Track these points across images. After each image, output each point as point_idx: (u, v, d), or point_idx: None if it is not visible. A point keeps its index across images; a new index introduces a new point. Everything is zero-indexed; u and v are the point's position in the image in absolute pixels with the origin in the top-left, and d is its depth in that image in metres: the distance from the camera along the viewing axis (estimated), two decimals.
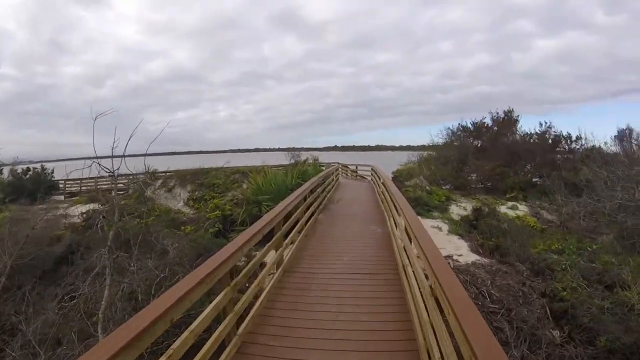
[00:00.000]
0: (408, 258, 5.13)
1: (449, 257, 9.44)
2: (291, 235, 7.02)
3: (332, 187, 15.53)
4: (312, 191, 9.75)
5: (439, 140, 25.98)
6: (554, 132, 22.77)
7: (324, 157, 28.93)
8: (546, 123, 22.94)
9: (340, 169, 23.75)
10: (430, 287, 3.38)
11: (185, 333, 2.85)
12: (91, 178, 22.54)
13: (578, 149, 21.93)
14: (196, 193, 17.40)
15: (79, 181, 25.66)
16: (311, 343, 4.01)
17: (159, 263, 7.35)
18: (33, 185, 23.32)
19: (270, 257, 5.97)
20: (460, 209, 15.78)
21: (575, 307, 7.47)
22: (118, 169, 5.97)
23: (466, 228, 12.89)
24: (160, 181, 19.68)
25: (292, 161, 22.71)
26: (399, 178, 18.74)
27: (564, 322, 7.40)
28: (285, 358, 3.77)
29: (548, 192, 17.89)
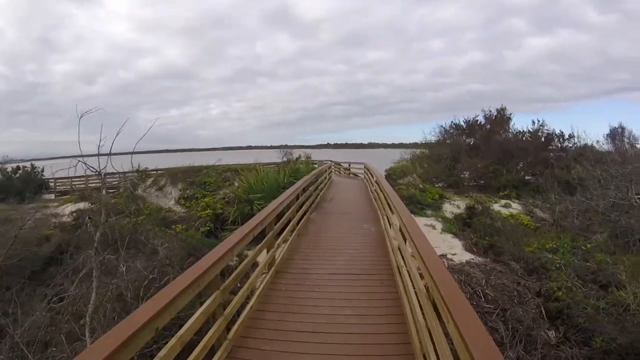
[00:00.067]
0: (403, 259, 5.01)
1: (443, 256, 9.36)
2: (283, 235, 6.88)
3: (325, 186, 15.38)
4: (304, 190, 9.61)
5: (432, 138, 25.94)
6: (547, 130, 22.74)
7: (316, 155, 28.80)
8: (539, 121, 22.93)
9: (333, 167, 23.61)
10: (427, 290, 3.26)
11: (173, 340, 2.72)
12: (81, 176, 22.29)
13: (570, 147, 21.95)
14: (187, 191, 17.19)
15: (69, 180, 25.33)
16: (304, 347, 3.88)
17: (148, 264, 7.17)
18: (22, 184, 23.06)
19: (262, 256, 5.82)
20: (454, 207, 15.73)
21: (571, 307, 7.41)
22: (105, 167, 5.78)
23: (460, 226, 12.83)
24: (151, 179, 19.46)
25: (285, 159, 22.55)
26: (392, 176, 18.62)
27: (560, 322, 7.35)
28: None
29: (541, 190, 17.94)
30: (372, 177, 13.46)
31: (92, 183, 22.76)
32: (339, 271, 6.03)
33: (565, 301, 7.57)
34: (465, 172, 22.87)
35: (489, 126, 24.02)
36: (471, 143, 24.23)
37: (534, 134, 22.79)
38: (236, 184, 15.23)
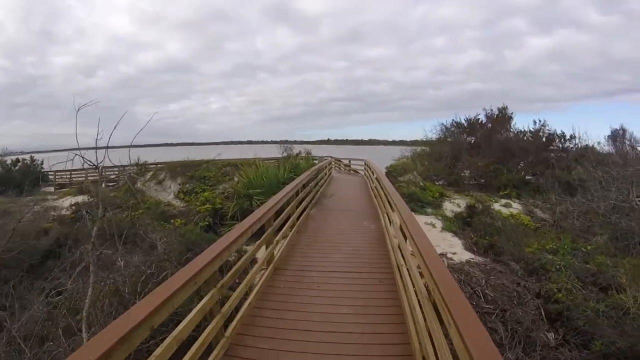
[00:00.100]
0: (403, 257, 4.95)
1: (443, 255, 9.31)
2: (282, 231, 6.82)
3: (325, 182, 15.33)
4: (304, 186, 9.55)
5: (433, 135, 25.88)
6: (548, 130, 22.70)
7: (317, 151, 28.73)
8: (540, 121, 22.88)
9: (333, 163, 23.55)
10: (428, 291, 3.20)
11: (168, 339, 2.67)
12: (81, 169, 22.21)
13: (572, 147, 21.88)
14: (187, 185, 17.10)
15: (68, 173, 25.25)
16: (302, 346, 3.84)
17: (146, 259, 7.10)
18: (22, 176, 22.97)
19: (261, 253, 5.76)
20: (454, 205, 15.67)
21: (571, 310, 7.35)
22: (102, 161, 5.71)
23: (460, 225, 12.79)
24: (150, 173, 19.38)
25: (285, 154, 22.47)
26: (393, 173, 18.56)
27: (559, 324, 7.28)
28: None
29: (541, 191, 17.88)
30: (373, 174, 13.39)
31: (91, 176, 22.68)
32: (338, 269, 5.98)
33: (565, 303, 7.51)
34: (465, 171, 22.83)
35: (490, 125, 23.96)
36: (472, 142, 24.18)
37: (535, 133, 22.73)
38: (236, 179, 15.16)
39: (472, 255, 9.73)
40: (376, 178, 11.45)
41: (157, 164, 21.10)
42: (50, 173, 25.88)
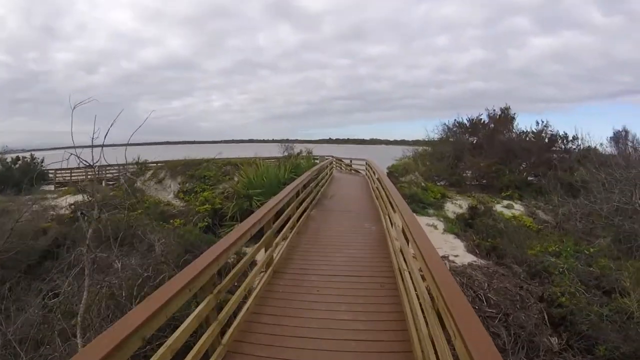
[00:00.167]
0: (405, 261, 4.84)
1: (445, 257, 9.22)
2: (282, 233, 6.72)
3: (326, 182, 15.23)
4: (305, 186, 9.45)
5: (435, 135, 25.79)
6: (551, 131, 22.60)
7: (318, 150, 28.65)
8: (542, 122, 22.79)
9: (334, 163, 23.45)
10: (431, 297, 3.10)
11: (162, 349, 2.56)
12: (80, 168, 22.12)
13: (574, 149, 21.77)
14: (187, 185, 17.02)
15: (68, 171, 25.09)
16: (299, 353, 3.73)
17: (143, 261, 6.98)
18: (22, 175, 22.88)
19: (260, 254, 5.66)
20: (456, 206, 15.57)
21: (574, 314, 7.24)
22: (98, 160, 5.60)
23: (462, 227, 12.68)
24: (150, 172, 19.30)
25: (285, 154, 22.36)
26: (394, 173, 18.48)
27: (562, 328, 7.18)
28: None
29: (544, 192, 17.75)
30: (374, 174, 13.29)
31: (91, 175, 22.55)
32: (338, 272, 5.86)
33: (569, 307, 7.40)
34: (467, 171, 22.72)
35: (492, 125, 23.87)
36: (474, 142, 24.10)
37: (538, 134, 22.63)
38: (236, 179, 15.07)
39: (475, 258, 9.63)
40: (377, 178, 11.35)
41: (157, 162, 21.03)
42: (50, 171, 25.78)
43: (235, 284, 4.87)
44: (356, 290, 5.17)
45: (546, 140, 22.46)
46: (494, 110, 23.99)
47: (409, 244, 4.53)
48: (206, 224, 11.77)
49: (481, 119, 24.29)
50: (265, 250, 5.57)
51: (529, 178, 21.64)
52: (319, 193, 12.39)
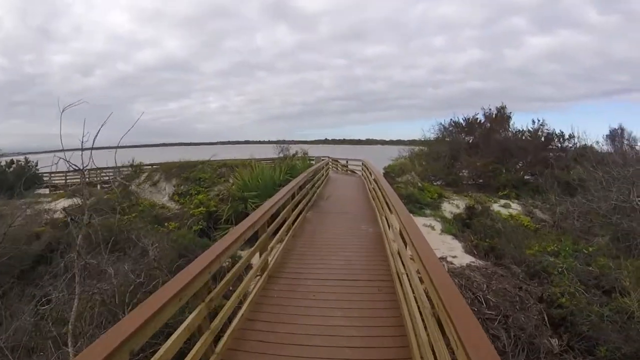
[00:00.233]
0: (403, 265, 4.72)
1: (443, 258, 9.11)
2: (277, 236, 6.60)
3: (322, 183, 15.11)
4: (300, 188, 9.32)
5: (431, 135, 25.73)
6: (547, 129, 22.56)
7: (314, 151, 28.55)
8: (539, 120, 22.75)
9: (330, 164, 23.33)
10: (431, 303, 2.99)
11: None
12: (75, 171, 21.86)
13: (570, 147, 21.75)
14: (182, 187, 16.89)
15: (63, 174, 24.85)
16: None
17: (135, 267, 6.83)
18: (16, 178, 22.63)
19: (255, 258, 5.53)
20: (453, 206, 15.48)
21: (575, 315, 7.15)
22: (88, 164, 5.46)
23: (459, 227, 12.58)
24: (145, 174, 19.15)
25: (281, 155, 22.22)
26: (391, 174, 18.37)
27: (563, 329, 7.08)
28: None
29: (541, 191, 17.73)
30: (371, 174, 13.19)
31: (82, 178, 22.28)
32: (334, 276, 5.73)
33: (569, 308, 7.30)
34: (464, 171, 22.66)
35: (488, 125, 23.83)
36: (470, 141, 24.04)
37: (534, 133, 22.59)
38: (231, 181, 14.92)
39: (473, 259, 9.53)
40: (374, 179, 11.24)
41: (152, 165, 20.87)
42: (45, 175, 25.57)
43: (230, 288, 4.74)
44: (353, 295, 5.05)
45: (542, 139, 22.42)
46: (490, 109, 23.96)
47: (407, 246, 4.42)
48: (201, 227, 11.63)
49: (477, 118, 24.26)
50: (260, 255, 5.44)
51: (526, 177, 21.62)
52: (315, 194, 12.27)
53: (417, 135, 27.59)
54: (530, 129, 22.78)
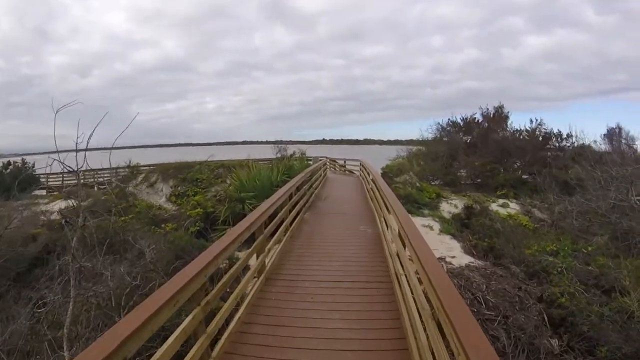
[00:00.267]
0: (402, 267, 4.66)
1: (442, 259, 9.04)
2: (275, 237, 6.53)
3: (320, 183, 15.05)
4: (298, 188, 9.26)
5: (429, 135, 25.68)
6: (544, 129, 22.55)
7: (312, 151, 28.49)
8: (536, 120, 22.74)
9: (328, 164, 23.27)
10: (431, 306, 2.93)
11: None
12: (72, 172, 21.70)
13: (568, 146, 21.74)
14: (179, 188, 16.81)
15: (60, 176, 24.72)
16: None
17: (131, 269, 6.75)
18: (12, 180, 22.50)
19: (252, 260, 5.45)
20: (451, 206, 15.42)
21: (575, 315, 7.10)
22: (82, 165, 5.38)
23: (458, 227, 12.52)
24: (142, 175, 19.07)
25: (279, 155, 22.14)
26: (389, 174, 18.32)
27: (563, 330, 7.03)
28: None
29: (539, 190, 17.70)
30: (368, 174, 13.12)
31: (76, 180, 22.15)
32: (332, 278, 5.66)
33: (569, 308, 7.25)
34: (462, 171, 22.62)
35: (486, 124, 23.81)
36: (468, 141, 24.01)
37: (532, 132, 22.58)
38: (228, 182, 14.85)
39: (472, 259, 9.46)
40: (372, 179, 11.18)
41: (149, 165, 20.79)
42: (42, 176, 25.44)
43: (228, 290, 4.68)
44: (351, 297, 4.98)
45: (540, 138, 22.41)
46: (488, 109, 23.94)
47: (406, 247, 4.37)
48: (198, 228, 11.55)
49: (475, 118, 24.24)
50: (257, 256, 5.37)
51: (524, 176, 21.59)
52: (313, 195, 12.20)
53: (415, 135, 27.61)
54: (528, 129, 22.79)
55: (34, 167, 26.19)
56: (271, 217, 6.28)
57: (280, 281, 5.56)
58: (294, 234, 8.07)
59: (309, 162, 20.15)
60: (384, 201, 7.16)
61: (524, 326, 6.76)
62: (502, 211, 15.41)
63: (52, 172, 24.07)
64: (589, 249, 10.52)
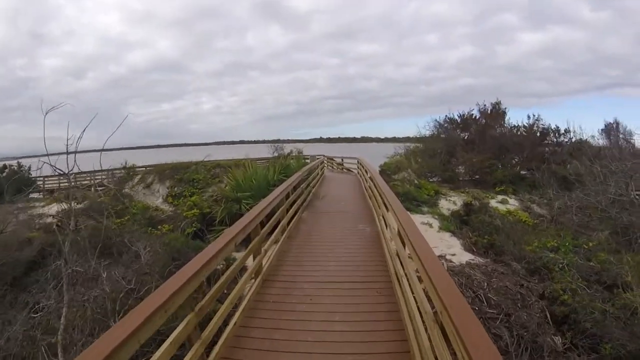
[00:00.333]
0: (402, 267, 4.54)
1: (442, 256, 8.93)
2: (272, 238, 6.40)
3: (317, 182, 14.92)
4: (295, 187, 9.14)
5: (426, 132, 25.57)
6: (542, 125, 22.52)
7: (310, 150, 28.34)
8: (534, 116, 22.71)
9: (326, 162, 23.14)
10: (433, 308, 2.82)
11: None
12: (61, 175, 21.51)
13: (566, 142, 21.69)
14: (175, 189, 16.67)
15: (57, 178, 24.51)
16: None
17: (126, 273, 6.60)
18: (8, 183, 22.29)
19: (249, 260, 5.32)
20: (450, 203, 15.32)
21: (577, 312, 7.00)
22: (72, 169, 5.24)
23: (457, 224, 12.40)
24: (138, 177, 18.93)
25: (275, 154, 22.00)
26: (387, 171, 18.21)
27: (566, 327, 6.93)
28: None
29: (537, 186, 17.64)
30: (366, 172, 13.01)
31: (80, 181, 22.00)
32: (331, 279, 5.54)
33: (571, 305, 7.15)
34: (460, 167, 22.52)
35: (484, 120, 23.73)
36: (466, 137, 23.91)
37: (530, 128, 22.54)
38: (225, 182, 14.71)
39: (472, 256, 9.34)
40: (370, 177, 11.06)
41: (145, 166, 20.65)
42: (38, 179, 25.26)
43: (225, 291, 4.55)
44: (351, 298, 4.87)
45: (538, 134, 22.40)
46: (485, 105, 23.86)
47: (405, 246, 4.25)
48: (194, 229, 11.40)
49: (472, 114, 24.12)
50: (254, 258, 5.24)
51: (522, 172, 21.57)
52: (310, 194, 12.09)
53: (411, 132, 27.52)
54: (526, 125, 22.76)
55: (29, 170, 26.00)
56: (268, 217, 6.16)
57: (278, 282, 5.44)
58: (292, 233, 7.95)
59: (306, 160, 20.02)
60: (382, 199, 7.05)
61: (527, 324, 6.65)
62: (502, 207, 15.30)
63: (48, 174, 23.99)
64: (590, 244, 10.43)
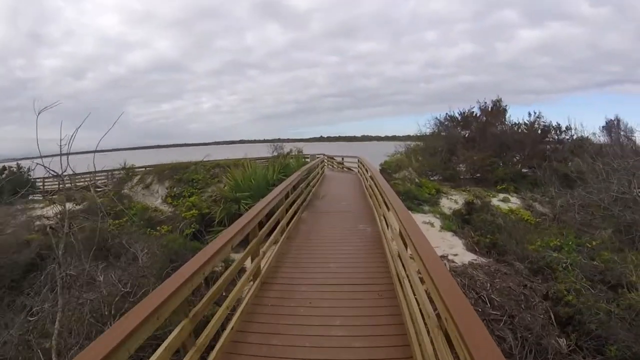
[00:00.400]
0: (404, 268, 4.42)
1: (444, 257, 8.81)
2: (271, 239, 6.29)
3: (317, 181, 14.81)
4: (294, 187, 9.02)
5: (426, 130, 25.39)
6: (543, 122, 22.34)
7: (309, 148, 28.23)
8: (535, 113, 22.51)
9: (326, 161, 23.03)
10: (435, 310, 2.71)
11: None
12: (55, 176, 21.38)
13: (567, 139, 21.55)
14: (175, 189, 16.55)
15: (57, 180, 24.37)
16: None
17: (122, 276, 6.47)
18: (8, 185, 22.16)
19: (247, 262, 5.20)
20: (452, 202, 15.18)
21: (582, 313, 6.89)
22: (65, 170, 5.12)
23: (459, 223, 12.28)
24: (137, 177, 18.83)
25: (275, 153, 21.88)
26: (387, 170, 18.06)
27: (570, 328, 6.82)
28: None
29: (539, 184, 17.52)
30: (367, 171, 12.89)
31: (79, 182, 21.88)
32: (332, 281, 5.41)
33: (576, 306, 7.03)
34: (461, 165, 22.38)
35: (484, 118, 23.56)
36: (467, 135, 23.75)
37: (531, 126, 22.38)
38: (223, 182, 14.58)
39: (475, 256, 9.21)
40: (370, 176, 10.94)
41: (144, 167, 20.56)
42: (38, 180, 25.17)
43: (224, 293, 4.44)
44: (352, 301, 4.74)
45: (539, 131, 22.22)
46: (486, 102, 23.69)
47: (407, 247, 4.14)
48: (193, 230, 11.27)
49: (473, 112, 23.96)
50: (252, 260, 5.12)
51: (524, 170, 21.39)
52: (310, 193, 11.97)
53: (411, 131, 27.38)
54: (527, 122, 22.58)
55: (29, 171, 25.91)
56: (267, 217, 6.04)
57: (276, 285, 5.32)
58: (291, 234, 7.83)
59: (306, 159, 19.90)
60: (383, 198, 6.93)
61: (531, 326, 6.54)
62: (503, 206, 15.17)
63: (47, 176, 23.87)
64: (593, 243, 10.30)
